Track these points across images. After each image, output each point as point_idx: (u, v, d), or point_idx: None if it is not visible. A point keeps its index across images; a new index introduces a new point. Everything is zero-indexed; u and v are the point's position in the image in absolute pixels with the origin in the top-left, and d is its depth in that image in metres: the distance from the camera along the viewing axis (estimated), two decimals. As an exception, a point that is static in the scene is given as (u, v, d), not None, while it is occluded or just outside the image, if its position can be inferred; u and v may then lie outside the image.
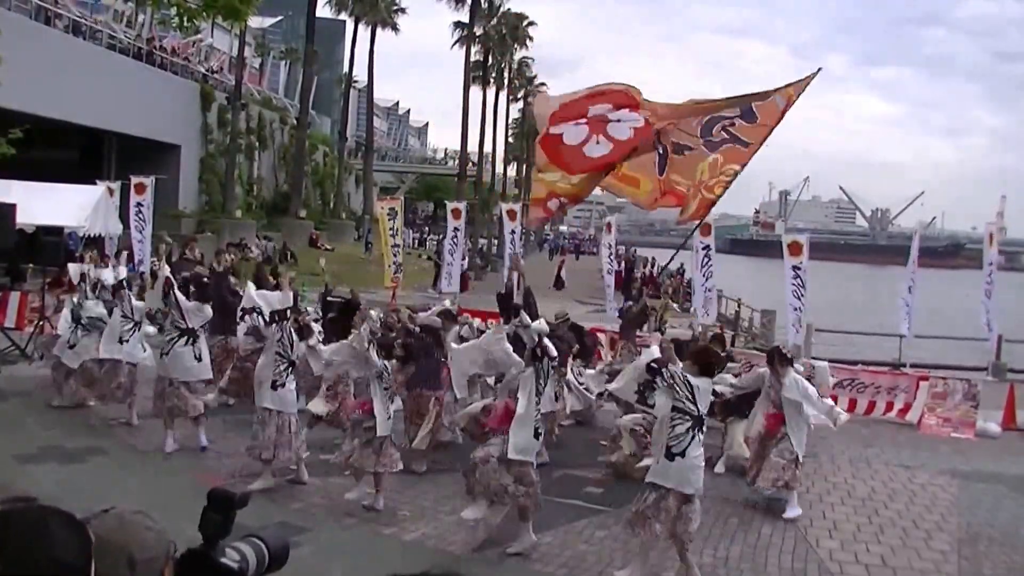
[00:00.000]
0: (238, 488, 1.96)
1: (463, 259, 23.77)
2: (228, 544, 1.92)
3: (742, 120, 10.11)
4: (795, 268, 13.44)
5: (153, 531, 1.82)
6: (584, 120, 9.58)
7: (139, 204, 16.80)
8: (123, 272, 11.04)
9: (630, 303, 14.45)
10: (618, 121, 9.57)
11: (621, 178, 10.50)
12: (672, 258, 17.13)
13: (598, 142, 9.59)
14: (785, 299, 13.75)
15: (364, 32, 47.18)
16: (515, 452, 6.53)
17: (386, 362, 7.62)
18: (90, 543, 1.83)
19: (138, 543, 1.77)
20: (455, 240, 19.14)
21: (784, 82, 10.32)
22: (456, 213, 18.87)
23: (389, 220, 18.75)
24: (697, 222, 12.36)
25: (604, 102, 9.66)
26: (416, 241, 54.79)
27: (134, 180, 17.00)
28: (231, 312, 10.34)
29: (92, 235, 15.79)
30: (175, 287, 9.23)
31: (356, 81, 55.23)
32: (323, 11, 44.38)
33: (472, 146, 45.91)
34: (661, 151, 10.11)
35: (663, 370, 6.20)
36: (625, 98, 9.69)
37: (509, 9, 51.58)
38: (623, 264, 32.24)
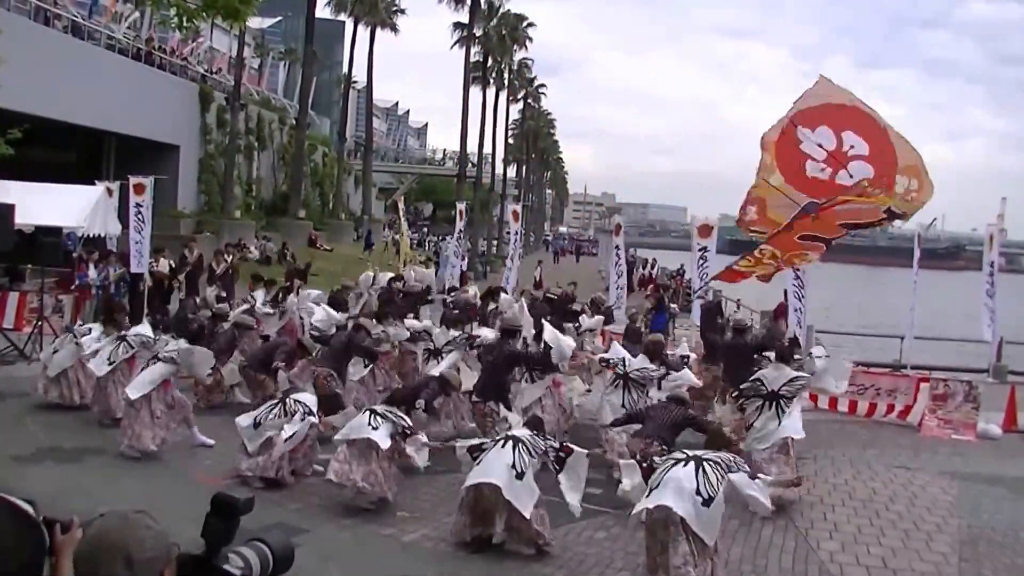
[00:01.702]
0: (241, 493, 1.94)
1: (463, 260, 23.87)
2: (231, 549, 1.90)
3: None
4: (795, 270, 13.40)
5: (152, 531, 1.82)
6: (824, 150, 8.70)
7: (138, 205, 16.76)
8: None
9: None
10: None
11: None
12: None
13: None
14: (790, 301, 13.69)
15: (363, 33, 47.20)
16: None
17: None
18: (42, 535, 1.81)
19: (136, 542, 1.77)
20: (459, 240, 19.30)
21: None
22: (461, 214, 19.05)
23: (405, 220, 19.01)
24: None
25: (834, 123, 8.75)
26: (415, 242, 54.74)
27: (133, 180, 16.96)
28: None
29: (91, 235, 15.77)
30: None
31: (355, 82, 55.17)
32: (322, 12, 44.40)
33: (472, 147, 45.89)
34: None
35: None
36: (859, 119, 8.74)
37: (509, 10, 51.61)
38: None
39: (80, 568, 1.78)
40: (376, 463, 7.35)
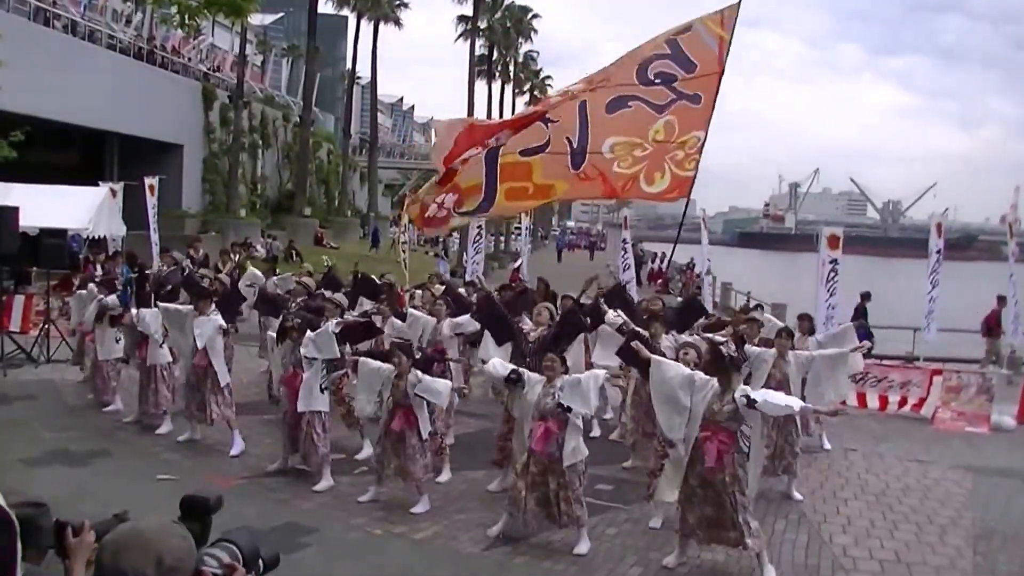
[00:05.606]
0: (211, 492, 1.93)
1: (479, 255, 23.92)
2: (204, 551, 1.91)
3: (682, 71, 8.69)
4: (833, 262, 13.35)
5: (187, 543, 1.86)
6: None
7: (155, 206, 16.89)
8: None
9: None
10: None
11: (537, 192, 9.21)
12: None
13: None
14: (818, 294, 13.58)
15: (367, 28, 47.09)
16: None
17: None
18: (11, 526, 1.81)
19: (170, 549, 1.81)
20: (480, 237, 19.20)
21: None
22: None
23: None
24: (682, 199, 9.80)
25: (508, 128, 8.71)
26: (423, 238, 54.59)
27: (148, 181, 17.00)
28: None
29: (96, 237, 15.76)
30: None
31: (359, 77, 55.06)
32: (325, 7, 44.32)
33: (477, 142, 45.68)
34: (577, 141, 8.81)
35: None
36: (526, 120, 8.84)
37: (513, 2, 51.34)
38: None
39: (103, 557, 1.80)
40: None
